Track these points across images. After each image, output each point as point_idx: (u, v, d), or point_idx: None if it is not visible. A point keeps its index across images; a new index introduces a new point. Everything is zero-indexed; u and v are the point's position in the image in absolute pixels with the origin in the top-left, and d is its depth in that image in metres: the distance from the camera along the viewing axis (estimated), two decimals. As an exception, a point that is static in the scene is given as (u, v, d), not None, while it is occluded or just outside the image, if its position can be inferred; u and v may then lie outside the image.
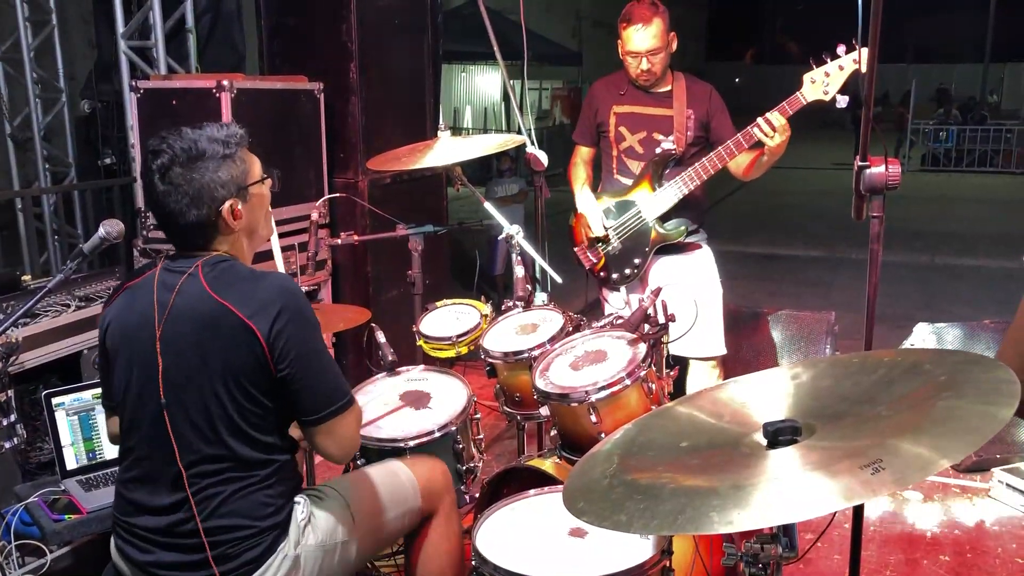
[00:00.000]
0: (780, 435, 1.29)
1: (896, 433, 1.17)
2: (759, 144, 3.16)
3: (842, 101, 3.02)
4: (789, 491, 1.14)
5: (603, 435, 2.17)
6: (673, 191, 3.32)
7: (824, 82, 3.05)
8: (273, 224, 2.28)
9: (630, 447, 1.52)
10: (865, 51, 1.85)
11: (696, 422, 1.53)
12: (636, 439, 1.56)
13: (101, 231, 2.14)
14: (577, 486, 1.46)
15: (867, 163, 1.93)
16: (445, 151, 3.03)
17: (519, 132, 3.30)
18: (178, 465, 1.80)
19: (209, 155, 1.86)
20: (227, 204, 1.86)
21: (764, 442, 1.32)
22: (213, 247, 1.91)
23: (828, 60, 3.04)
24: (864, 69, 1.91)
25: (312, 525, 1.96)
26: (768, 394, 1.49)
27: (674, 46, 3.35)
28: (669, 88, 3.40)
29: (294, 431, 2.00)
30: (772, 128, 3.09)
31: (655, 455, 1.45)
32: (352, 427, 1.97)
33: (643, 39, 3.25)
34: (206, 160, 1.85)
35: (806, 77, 3.08)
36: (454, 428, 2.46)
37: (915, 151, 19.11)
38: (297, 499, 1.96)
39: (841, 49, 3.01)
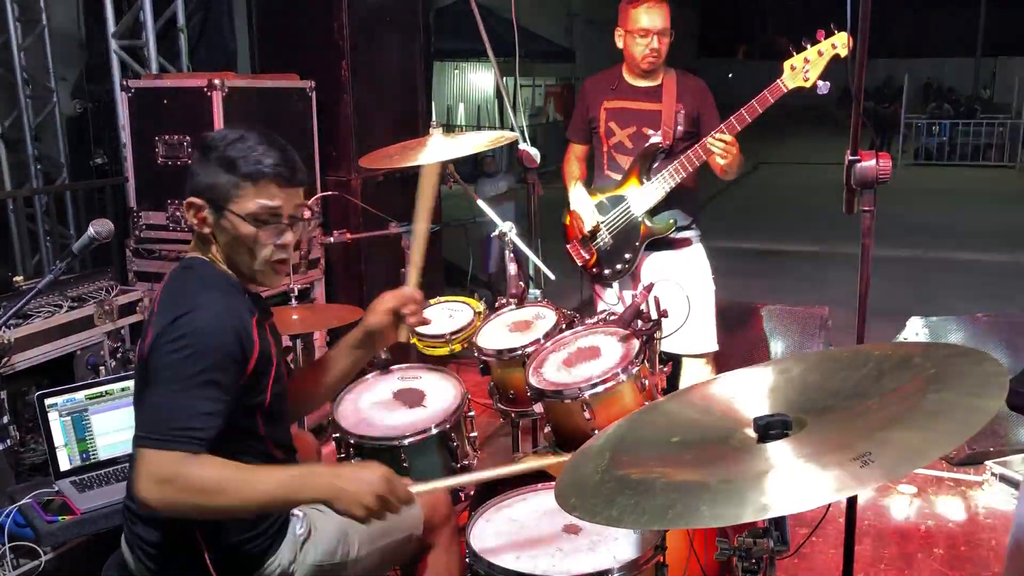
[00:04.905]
0: (770, 429, 1.30)
1: (885, 426, 1.17)
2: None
3: (823, 87, 3.02)
4: (779, 485, 1.14)
5: (596, 431, 2.17)
6: (661, 184, 3.32)
7: (804, 68, 3.05)
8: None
9: (621, 443, 1.52)
10: (843, 36, 1.86)
11: (687, 417, 1.53)
12: (627, 435, 1.56)
13: (91, 231, 2.14)
14: (569, 482, 1.46)
15: (857, 157, 1.94)
16: (437, 149, 3.02)
17: (512, 130, 3.30)
18: None
19: (219, 155, 1.80)
20: (191, 199, 1.82)
21: (755, 436, 1.32)
22: (197, 235, 1.88)
23: (808, 46, 3.04)
24: (843, 54, 1.91)
25: (312, 542, 1.94)
26: (759, 389, 1.50)
27: (671, 38, 3.35)
28: (659, 83, 3.41)
29: (301, 439, 1.98)
30: (717, 152, 3.12)
31: (646, 450, 1.45)
32: (145, 473, 1.61)
33: (653, 18, 3.26)
34: (214, 155, 1.80)
35: (786, 65, 3.09)
36: (448, 426, 2.46)
37: (908, 145, 19.16)
38: (296, 512, 1.94)
39: (820, 35, 3.01)
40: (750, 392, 1.49)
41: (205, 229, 1.84)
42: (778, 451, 1.25)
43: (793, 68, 3.07)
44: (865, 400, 1.30)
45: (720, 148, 3.10)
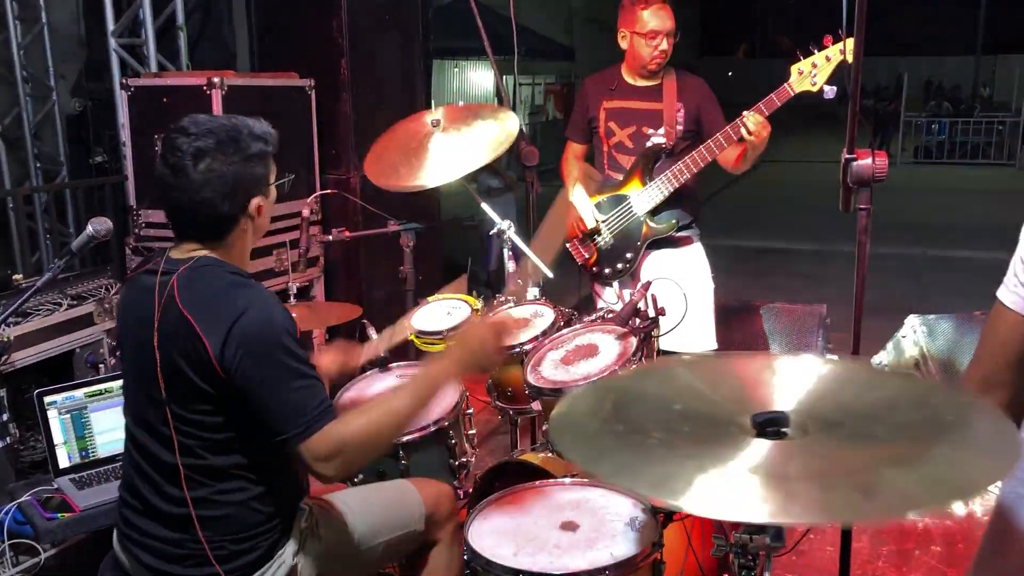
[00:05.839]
0: (767, 426, 1.30)
1: (891, 463, 1.16)
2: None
3: (829, 92, 3.03)
4: (774, 492, 1.13)
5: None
6: (664, 185, 3.32)
7: (811, 73, 3.06)
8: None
9: (625, 394, 1.50)
10: (851, 42, 1.86)
11: (693, 388, 1.49)
12: (632, 387, 1.55)
13: (89, 229, 2.15)
14: (566, 421, 1.44)
15: (854, 155, 1.94)
16: (440, 153, 2.98)
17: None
18: (170, 463, 1.80)
19: (252, 151, 1.82)
20: (257, 199, 1.84)
21: (752, 429, 1.32)
22: (228, 240, 1.86)
23: (815, 51, 3.06)
24: (851, 59, 1.92)
25: (315, 535, 1.95)
26: (773, 379, 1.47)
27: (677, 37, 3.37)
28: (659, 82, 3.41)
29: None
30: (748, 131, 3.11)
31: (648, 410, 1.42)
32: (328, 446, 1.75)
33: (664, 19, 3.27)
34: (249, 153, 1.82)
35: (793, 68, 3.10)
36: (447, 423, 2.46)
37: (908, 143, 19.18)
38: (302, 506, 1.96)
39: (828, 40, 3.03)
40: (763, 381, 1.46)
41: (261, 220, 1.89)
42: (772, 452, 1.24)
43: (801, 72, 3.09)
44: (873, 426, 1.29)
45: (755, 124, 3.08)
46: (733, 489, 1.14)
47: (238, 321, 1.71)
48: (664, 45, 3.30)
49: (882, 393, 1.40)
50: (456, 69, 19.89)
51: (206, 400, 1.77)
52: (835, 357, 1.53)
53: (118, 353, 1.98)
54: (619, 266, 3.45)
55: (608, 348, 2.43)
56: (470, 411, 2.62)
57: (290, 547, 1.89)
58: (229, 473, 1.82)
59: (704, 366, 1.63)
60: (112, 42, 5.05)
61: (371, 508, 2.10)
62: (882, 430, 1.29)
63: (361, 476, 2.44)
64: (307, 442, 1.73)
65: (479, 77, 20.59)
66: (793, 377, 1.48)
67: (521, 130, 3.25)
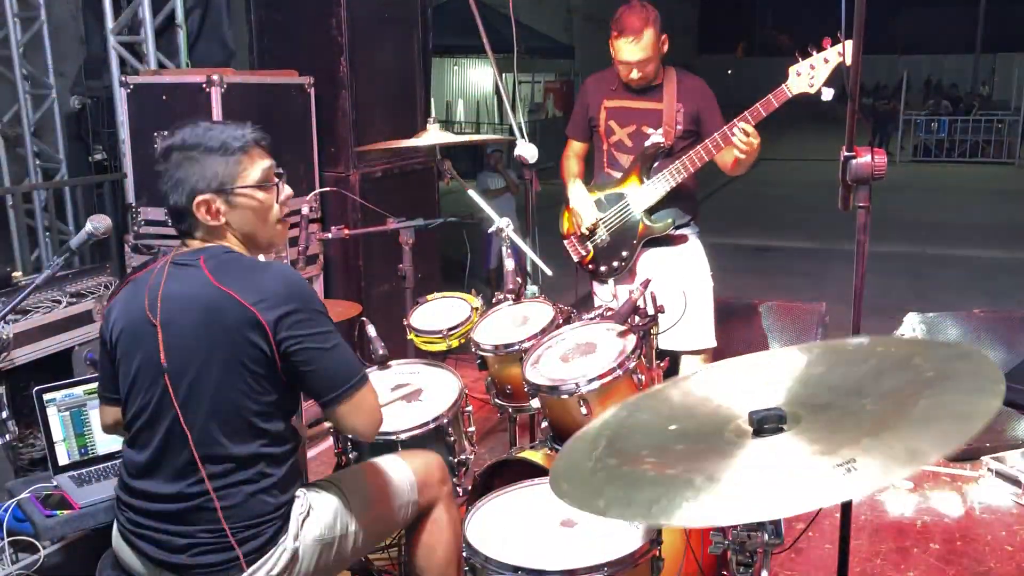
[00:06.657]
0: (765, 423, 1.30)
1: (874, 431, 1.16)
2: None
3: (827, 94, 3.03)
4: (761, 489, 1.13)
5: (593, 426, 2.18)
6: (661, 184, 3.33)
7: (809, 75, 3.06)
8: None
9: (619, 428, 1.52)
10: (850, 43, 1.86)
11: (687, 405, 1.52)
12: (626, 420, 1.56)
13: (88, 227, 2.15)
14: (564, 466, 1.46)
15: (853, 153, 1.94)
16: (433, 137, 3.02)
17: (510, 131, 3.31)
18: (183, 456, 1.81)
19: (204, 147, 1.88)
20: (200, 198, 1.87)
21: (749, 429, 1.32)
22: (198, 237, 1.93)
23: (814, 53, 3.06)
24: (849, 62, 1.92)
25: (311, 519, 1.97)
26: (761, 379, 1.48)
27: (665, 48, 3.34)
28: (660, 82, 3.41)
29: (302, 424, 2.03)
30: (737, 147, 3.12)
31: (643, 437, 1.44)
32: (373, 399, 1.98)
33: (633, 52, 3.26)
34: (199, 151, 1.88)
35: (791, 70, 3.10)
36: (446, 421, 2.46)
37: (907, 141, 19.19)
38: (297, 492, 1.97)
39: (827, 42, 3.03)
40: (752, 382, 1.48)
41: (220, 220, 1.91)
42: (768, 448, 1.24)
43: (799, 74, 3.08)
44: (861, 399, 1.29)
45: (743, 140, 3.10)
46: (722, 495, 1.15)
47: (289, 292, 1.83)
48: (635, 75, 3.31)
49: (867, 366, 1.40)
50: (456, 67, 19.91)
51: (260, 379, 1.83)
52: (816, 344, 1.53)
53: (110, 351, 1.95)
54: (615, 264, 3.46)
55: (607, 346, 2.44)
56: (469, 408, 2.63)
57: (290, 534, 1.91)
58: (246, 463, 1.84)
59: (697, 380, 1.64)
60: (111, 40, 5.05)
61: (362, 486, 2.13)
62: (869, 401, 1.29)
63: (356, 454, 2.45)
64: (366, 387, 1.93)
65: (478, 75, 20.60)
66: (783, 371, 1.49)
67: (520, 128, 3.27)
